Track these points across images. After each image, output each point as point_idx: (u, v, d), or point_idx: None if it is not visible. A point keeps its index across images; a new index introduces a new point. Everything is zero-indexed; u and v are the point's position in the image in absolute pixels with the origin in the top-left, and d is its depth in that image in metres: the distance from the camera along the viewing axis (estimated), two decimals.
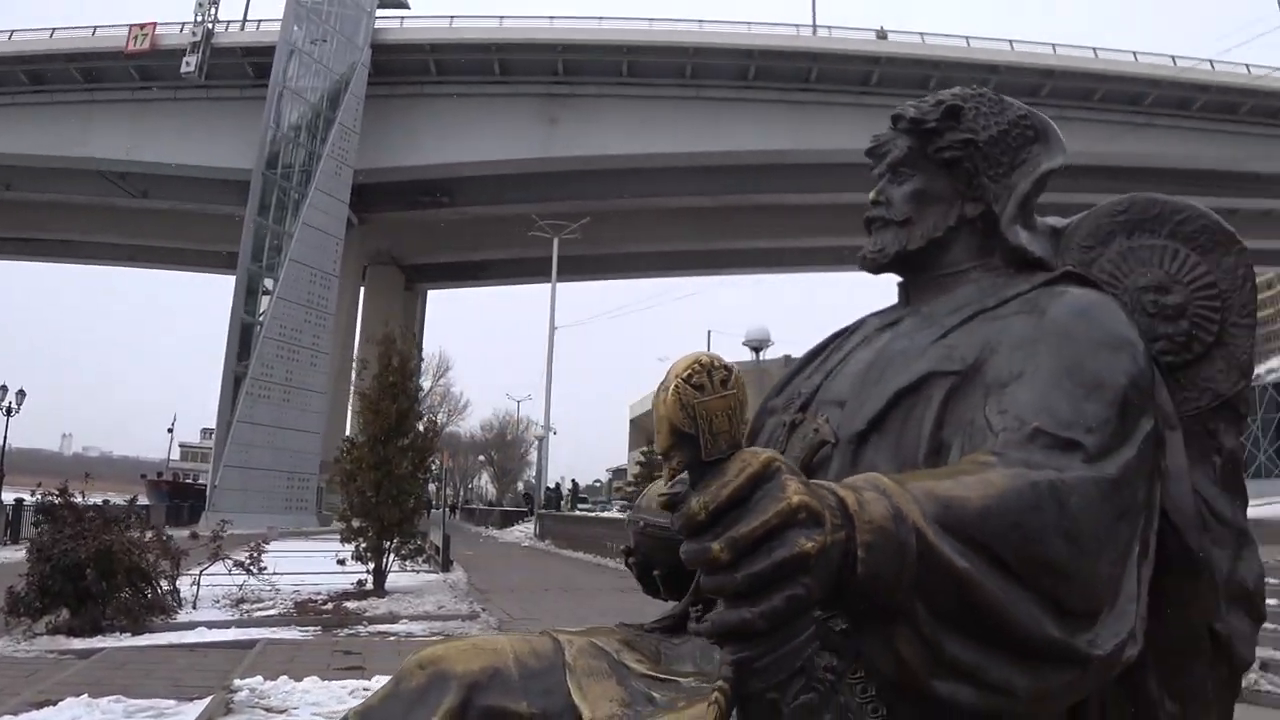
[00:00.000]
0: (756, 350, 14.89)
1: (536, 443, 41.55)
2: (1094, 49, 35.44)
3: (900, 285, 1.70)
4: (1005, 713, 1.07)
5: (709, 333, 40.13)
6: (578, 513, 34.91)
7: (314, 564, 13.86)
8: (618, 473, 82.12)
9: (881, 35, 32.84)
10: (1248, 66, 36.42)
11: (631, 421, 75.02)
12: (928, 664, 1.03)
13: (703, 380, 0.91)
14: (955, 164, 1.59)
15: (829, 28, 32.73)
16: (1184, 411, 1.47)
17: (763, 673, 0.91)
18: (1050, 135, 1.65)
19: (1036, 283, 1.49)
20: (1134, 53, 35.87)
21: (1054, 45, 34.96)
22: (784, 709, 0.92)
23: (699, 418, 0.89)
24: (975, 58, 33.57)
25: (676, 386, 0.90)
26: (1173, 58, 35.99)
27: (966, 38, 33.80)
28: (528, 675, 1.40)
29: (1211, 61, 36.44)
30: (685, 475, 0.91)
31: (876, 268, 1.65)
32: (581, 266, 39.43)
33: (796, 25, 32.41)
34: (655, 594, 1.85)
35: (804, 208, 36.64)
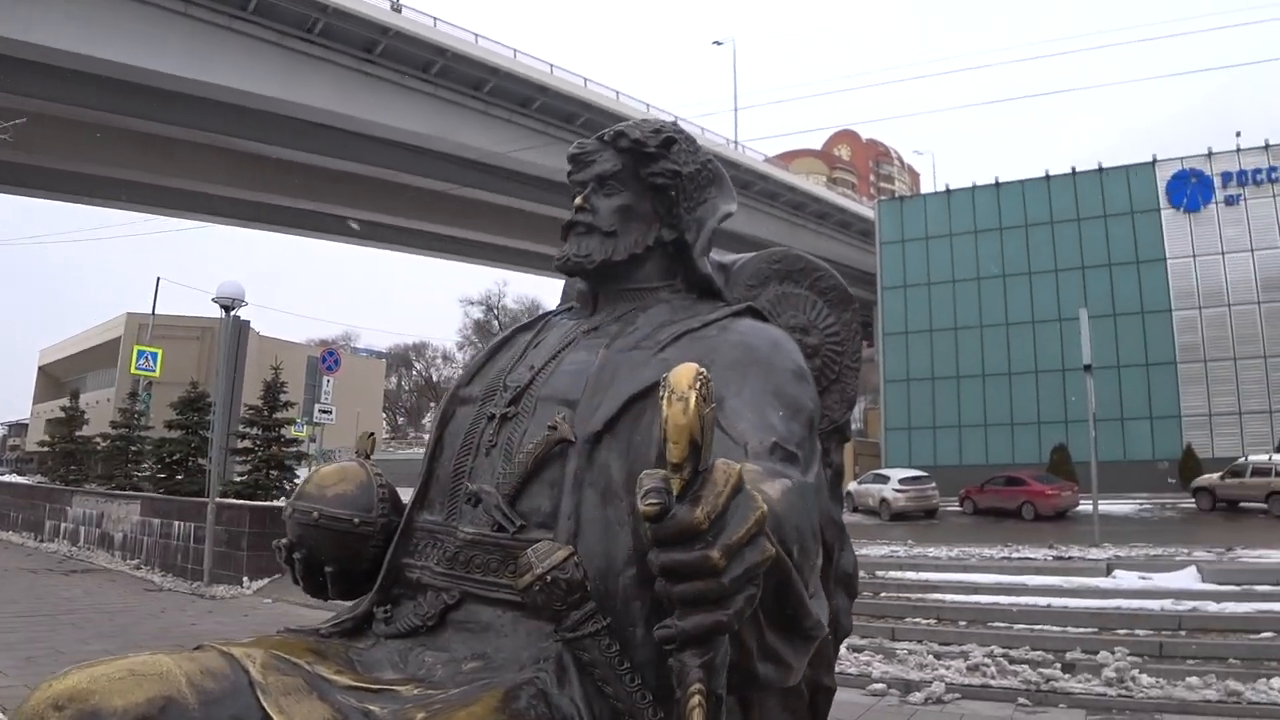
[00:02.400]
0: (228, 309, 13.74)
1: None
2: (584, 79, 38.71)
3: (587, 291, 1.79)
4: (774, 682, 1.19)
5: (159, 280, 36.27)
6: None
7: None
8: (14, 428, 70.93)
9: (396, 8, 32.55)
10: (702, 129, 42.81)
11: (42, 369, 65.28)
12: (757, 651, 1.11)
13: (707, 392, 0.93)
14: (662, 190, 1.72)
15: None
16: None
17: (719, 671, 0.94)
18: (724, 181, 1.86)
19: (727, 312, 1.68)
20: (617, 92, 39.93)
21: (551, 65, 37.48)
22: (723, 704, 0.96)
23: (707, 429, 0.91)
24: (480, 56, 34.77)
25: (696, 399, 0.90)
26: (646, 104, 40.82)
27: (476, 35, 34.86)
28: (209, 702, 1.18)
29: (675, 117, 42.05)
30: (656, 484, 0.89)
31: (581, 271, 1.73)
32: (8, 176, 33.04)
33: None
34: (318, 593, 1.68)
35: (290, 165, 34.78)
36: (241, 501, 14.59)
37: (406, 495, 1.68)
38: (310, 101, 31.87)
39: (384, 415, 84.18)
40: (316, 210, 39.35)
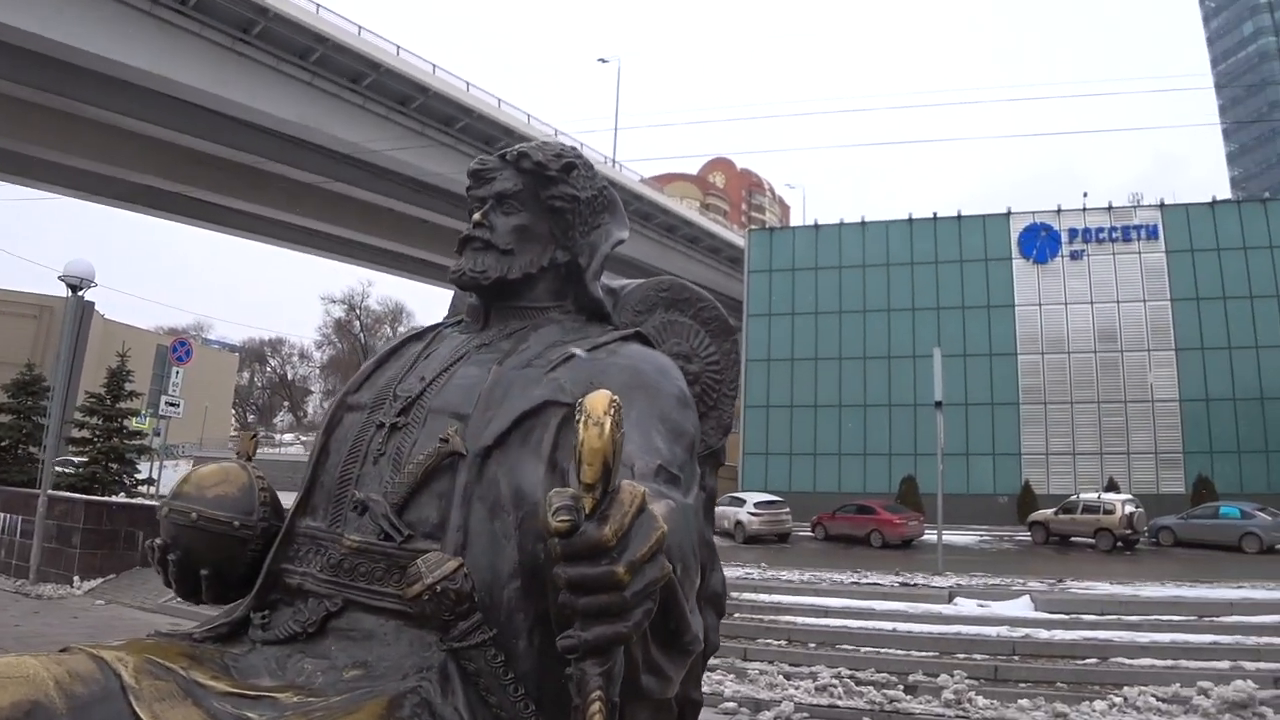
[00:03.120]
0: (75, 288, 12.87)
1: None
2: (467, 83, 38.33)
3: (479, 306, 1.80)
4: (655, 693, 1.22)
5: None
6: None
7: None
8: None
9: None
10: (581, 144, 42.93)
11: None
12: (642, 664, 1.15)
13: (619, 418, 0.97)
14: (559, 213, 1.77)
15: None
16: None
17: (616, 680, 0.99)
18: (618, 208, 1.92)
19: (616, 336, 1.73)
20: (499, 99, 39.72)
21: (434, 65, 36.99)
22: (616, 711, 1.00)
23: (618, 453, 0.96)
24: (361, 48, 34.00)
25: (611, 424, 0.95)
26: (527, 115, 40.78)
27: (359, 26, 34.08)
28: (78, 706, 1.16)
29: (555, 130, 42.20)
30: (566, 501, 0.94)
31: (476, 286, 1.75)
32: None
33: None
34: (190, 597, 1.62)
35: (153, 141, 33.05)
36: (76, 495, 13.74)
37: (288, 500, 1.64)
38: (179, 77, 30.45)
39: (233, 411, 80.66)
40: (175, 191, 37.49)
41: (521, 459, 1.46)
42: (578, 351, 1.61)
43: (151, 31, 29.47)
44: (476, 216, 1.75)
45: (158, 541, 1.60)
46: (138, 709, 1.19)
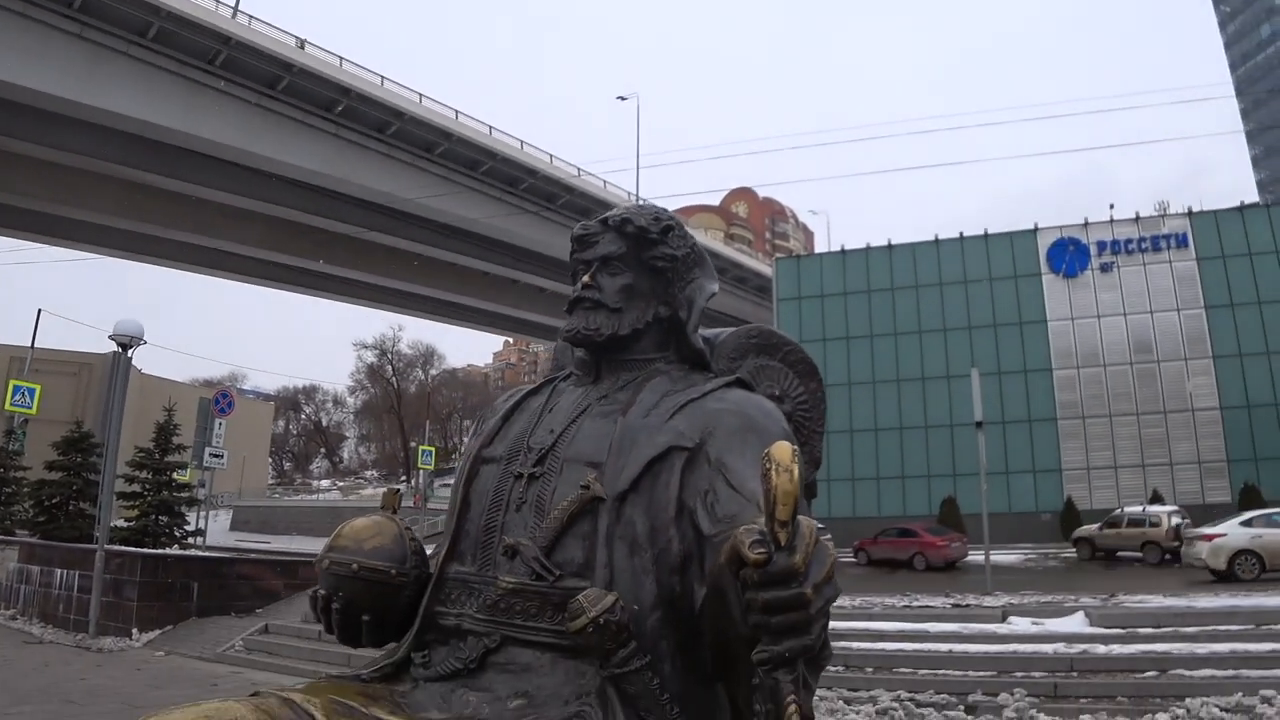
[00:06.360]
0: (125, 347, 13.19)
1: None
2: (490, 126, 38.89)
3: (589, 360, 1.94)
4: None
5: (40, 311, 34.54)
6: None
7: None
8: None
9: (301, 45, 32.25)
10: (604, 182, 43.60)
11: None
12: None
13: (799, 465, 1.11)
14: (660, 272, 1.92)
15: (251, 17, 31.11)
16: None
17: (805, 689, 1.13)
18: (707, 263, 2.06)
19: (721, 383, 1.86)
20: (521, 141, 40.25)
21: (457, 111, 37.60)
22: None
23: (801, 493, 1.11)
24: (385, 98, 34.66)
25: (799, 470, 1.09)
26: (550, 155, 41.26)
27: (382, 77, 34.76)
28: None
29: (579, 169, 42.75)
30: (757, 536, 1.09)
31: (590, 343, 1.89)
32: None
33: (217, 1, 30.15)
34: (351, 642, 1.74)
35: (185, 198, 33.80)
36: (130, 549, 13.98)
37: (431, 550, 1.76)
38: (209, 135, 31.22)
39: (270, 460, 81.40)
40: (208, 246, 38.26)
41: (653, 501, 1.60)
42: (689, 399, 1.75)
43: (181, 91, 30.27)
44: (585, 279, 1.89)
45: (321, 592, 1.72)
46: None
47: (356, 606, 1.70)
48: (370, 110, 34.63)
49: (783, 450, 1.10)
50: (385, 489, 2.05)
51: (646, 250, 1.90)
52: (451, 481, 2.08)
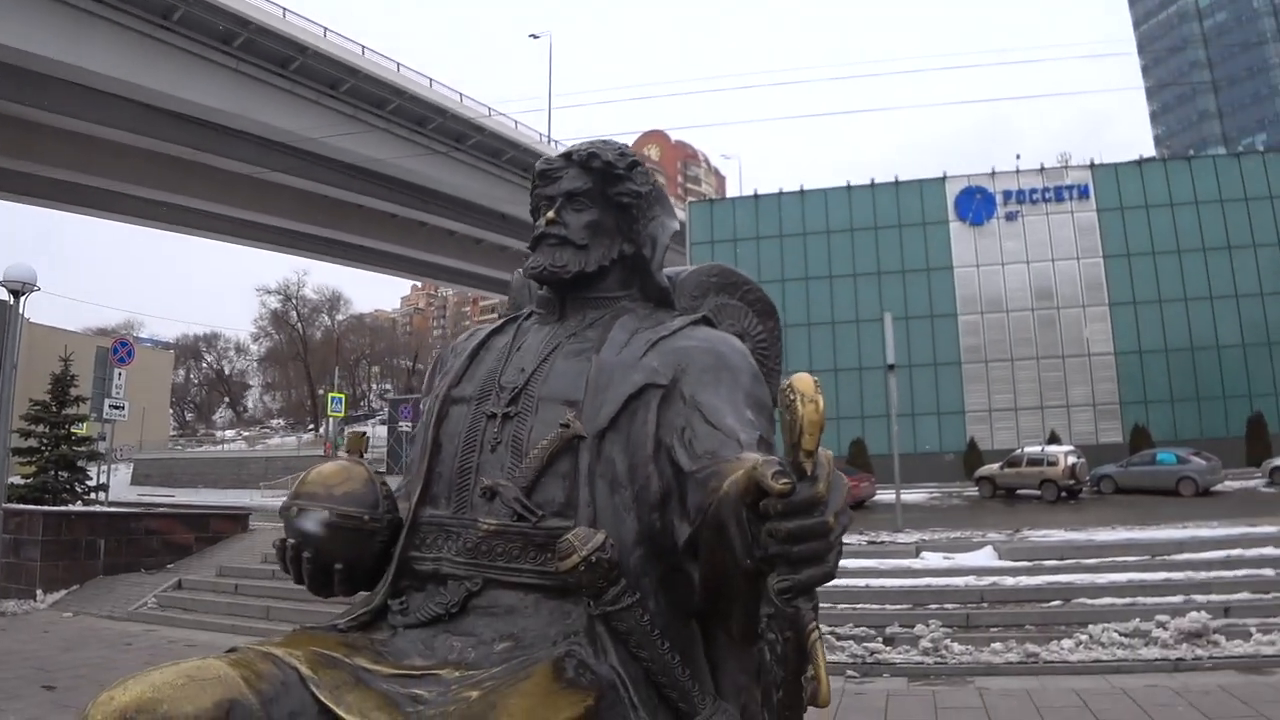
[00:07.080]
0: (17, 294, 12.47)
1: None
2: (397, 63, 37.72)
3: (553, 298, 1.89)
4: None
5: None
6: None
7: None
8: None
9: None
10: (515, 123, 42.69)
11: None
12: None
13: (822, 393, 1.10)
14: (625, 208, 1.88)
15: None
16: None
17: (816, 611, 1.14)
18: (667, 200, 2.03)
19: (688, 320, 1.85)
20: (430, 79, 39.15)
21: (363, 47, 36.36)
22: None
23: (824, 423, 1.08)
24: (287, 31, 33.17)
25: (821, 401, 1.07)
26: (459, 94, 40.27)
27: (284, 9, 33.21)
28: (268, 700, 1.27)
29: (490, 108, 41.78)
30: (779, 466, 1.08)
31: (556, 280, 1.84)
32: None
33: None
34: (322, 592, 1.67)
35: (68, 134, 31.97)
36: (30, 507, 13.41)
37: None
38: (94, 66, 29.44)
39: (171, 411, 78.84)
40: (96, 186, 36.36)
41: (631, 438, 1.58)
42: (659, 337, 1.73)
43: (61, 17, 28.36)
44: (550, 214, 1.84)
45: (290, 541, 1.64)
46: (320, 696, 1.29)
47: (328, 555, 1.63)
48: (272, 44, 33.22)
49: (805, 381, 1.08)
50: (350, 432, 1.98)
51: (612, 186, 1.85)
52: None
